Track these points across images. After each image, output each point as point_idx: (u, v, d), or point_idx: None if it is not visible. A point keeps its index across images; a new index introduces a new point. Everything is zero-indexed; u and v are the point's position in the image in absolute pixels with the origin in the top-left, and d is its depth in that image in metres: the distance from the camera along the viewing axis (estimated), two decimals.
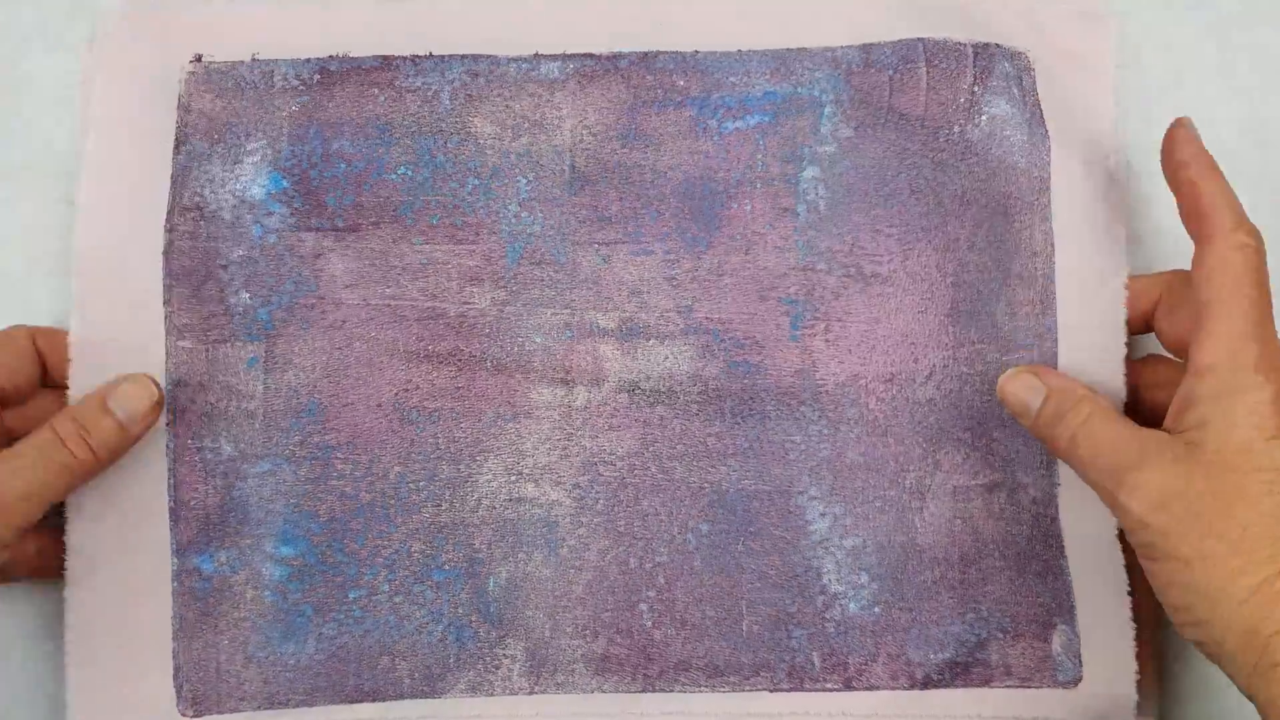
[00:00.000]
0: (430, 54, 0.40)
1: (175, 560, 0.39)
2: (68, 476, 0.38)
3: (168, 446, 0.40)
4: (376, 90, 0.40)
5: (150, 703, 0.39)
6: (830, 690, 0.40)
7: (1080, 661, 0.40)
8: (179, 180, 0.40)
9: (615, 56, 0.40)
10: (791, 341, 0.40)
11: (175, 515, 0.39)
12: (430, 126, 0.40)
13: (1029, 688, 0.40)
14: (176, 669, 0.39)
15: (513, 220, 0.40)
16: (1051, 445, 0.38)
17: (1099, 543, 0.40)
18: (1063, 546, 0.40)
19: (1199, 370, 0.35)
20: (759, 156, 0.40)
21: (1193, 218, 0.36)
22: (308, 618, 0.40)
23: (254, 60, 0.40)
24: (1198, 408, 0.34)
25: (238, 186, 0.40)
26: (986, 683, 0.40)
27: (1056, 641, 0.40)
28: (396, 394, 0.40)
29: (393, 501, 0.40)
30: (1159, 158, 0.37)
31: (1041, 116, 0.40)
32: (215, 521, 0.39)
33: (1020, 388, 0.38)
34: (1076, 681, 0.40)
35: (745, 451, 0.40)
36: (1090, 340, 0.40)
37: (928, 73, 0.40)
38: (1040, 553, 0.40)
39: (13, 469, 0.37)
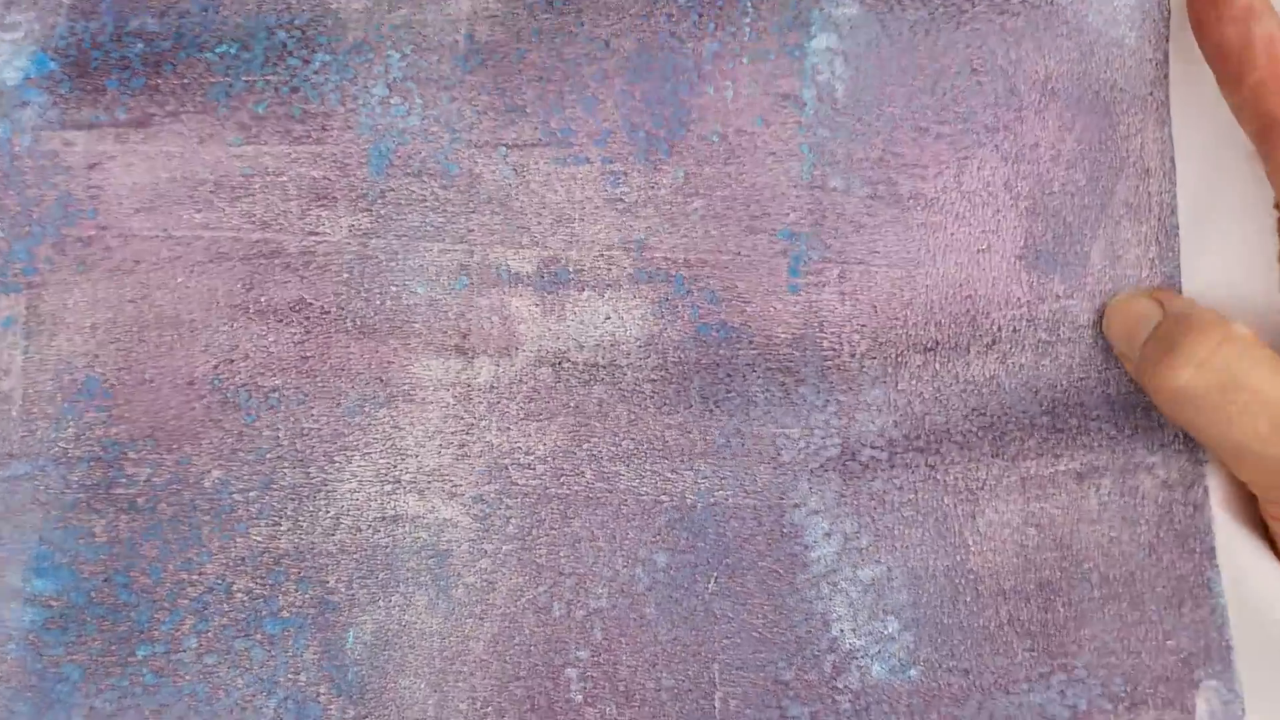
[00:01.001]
0: None
1: None
2: None
3: None
4: None
5: None
6: None
7: None
8: None
9: None
10: (790, 294, 0.35)
11: None
12: (275, 4, 0.36)
13: None
14: None
15: (376, 109, 0.35)
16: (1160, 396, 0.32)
17: (1262, 551, 0.34)
18: (1212, 554, 0.34)
19: None
20: (746, 21, 0.35)
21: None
22: (73, 685, 0.34)
23: None
24: None
25: None
26: None
27: (1203, 705, 0.34)
28: (216, 366, 0.35)
29: (208, 518, 0.35)
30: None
31: None
32: None
33: (1127, 317, 0.34)
34: None
35: (720, 450, 0.35)
36: (1231, 294, 0.35)
37: None
38: (1173, 567, 0.35)
39: None
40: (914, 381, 0.35)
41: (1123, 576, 0.35)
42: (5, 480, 0.34)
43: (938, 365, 0.35)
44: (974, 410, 0.35)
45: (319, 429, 0.35)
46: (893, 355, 0.35)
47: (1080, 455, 0.35)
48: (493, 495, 0.35)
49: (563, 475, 0.35)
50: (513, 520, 0.35)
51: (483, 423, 0.35)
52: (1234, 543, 0.34)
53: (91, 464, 0.35)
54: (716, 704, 0.35)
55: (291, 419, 0.35)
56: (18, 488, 0.35)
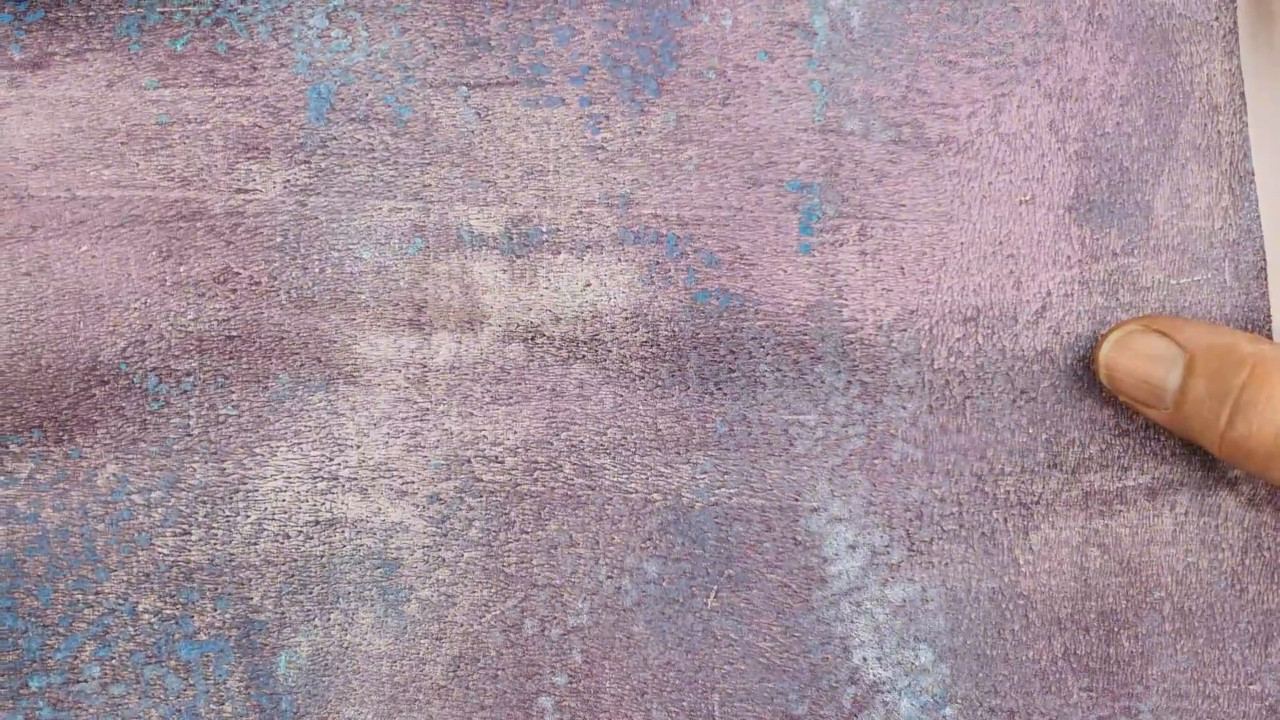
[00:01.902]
0: None
1: None
2: None
3: None
4: None
5: None
6: None
7: None
8: None
9: None
10: (802, 255, 0.33)
11: None
12: None
13: None
14: None
15: (314, 43, 0.34)
16: (1229, 455, 0.30)
17: None
18: None
19: None
20: None
21: None
22: None
23: None
24: None
25: None
26: None
27: None
28: (125, 349, 0.34)
29: (104, 526, 0.33)
30: None
31: None
32: None
33: (1135, 359, 0.32)
34: None
35: (722, 440, 0.33)
36: None
37: None
38: (1260, 600, 0.33)
39: None
40: (952, 358, 0.33)
41: (1200, 608, 0.33)
42: None
43: (980, 339, 0.33)
44: (1022, 393, 0.33)
45: (237, 416, 0.33)
46: (925, 327, 0.33)
47: (1151, 466, 0.33)
48: (452, 493, 0.33)
49: (536, 470, 0.33)
50: (476, 523, 0.33)
51: (440, 407, 0.33)
52: None
53: None
54: None
55: (206, 405, 0.33)
56: None
